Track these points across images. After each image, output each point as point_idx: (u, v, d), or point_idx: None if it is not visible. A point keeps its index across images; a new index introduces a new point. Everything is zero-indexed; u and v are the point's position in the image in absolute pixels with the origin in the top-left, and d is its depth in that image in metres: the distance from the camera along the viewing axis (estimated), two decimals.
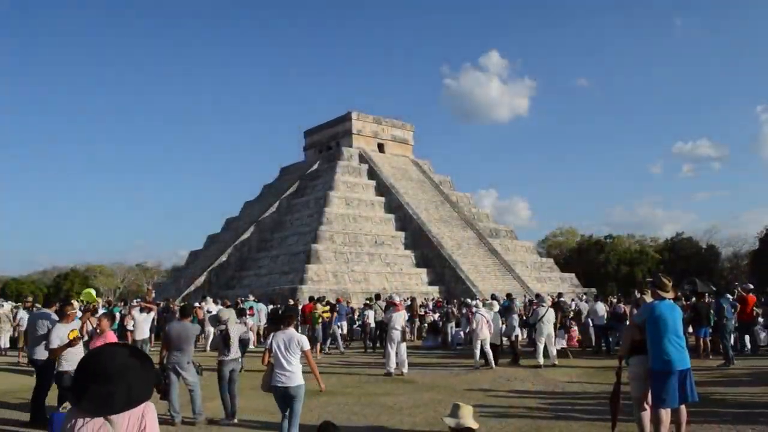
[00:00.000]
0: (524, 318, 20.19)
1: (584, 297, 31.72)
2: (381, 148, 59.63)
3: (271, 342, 7.73)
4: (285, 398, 7.49)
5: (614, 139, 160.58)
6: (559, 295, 24.44)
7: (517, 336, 18.02)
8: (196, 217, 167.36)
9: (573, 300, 29.91)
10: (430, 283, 43.54)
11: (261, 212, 52.83)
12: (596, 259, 73.11)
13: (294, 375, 7.49)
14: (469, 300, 24.90)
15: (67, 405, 8.49)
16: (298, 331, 8.29)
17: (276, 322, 18.86)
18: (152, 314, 18.12)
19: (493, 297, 21.78)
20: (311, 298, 23.11)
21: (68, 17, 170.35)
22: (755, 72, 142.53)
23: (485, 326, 16.17)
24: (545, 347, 16.70)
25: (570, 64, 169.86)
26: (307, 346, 7.83)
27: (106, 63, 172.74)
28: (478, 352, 16.11)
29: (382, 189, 52.10)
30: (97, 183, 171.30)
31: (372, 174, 53.82)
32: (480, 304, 18.60)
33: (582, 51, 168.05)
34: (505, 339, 18.24)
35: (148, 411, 2.95)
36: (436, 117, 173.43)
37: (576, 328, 22.20)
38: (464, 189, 65.54)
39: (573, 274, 51.60)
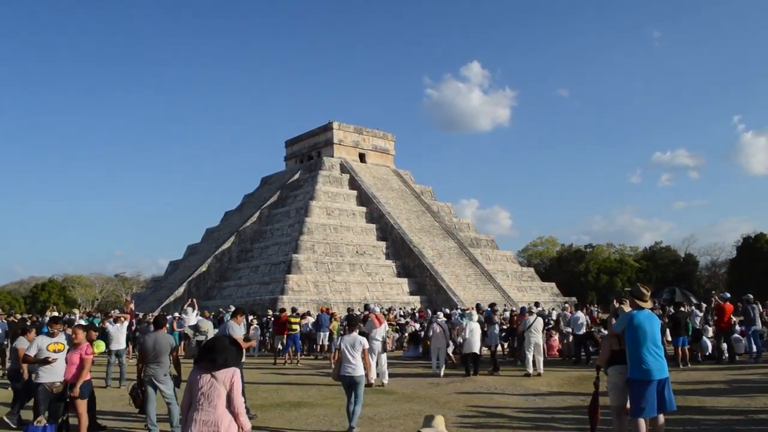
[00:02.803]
0: (503, 328, 20.26)
1: (566, 306, 31.86)
2: (362, 158, 59.61)
3: (340, 343, 9.89)
4: (351, 385, 9.54)
5: (594, 149, 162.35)
6: (536, 304, 24.51)
7: (497, 345, 18.09)
8: (176, 227, 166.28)
9: (553, 309, 30.02)
10: (412, 293, 43.49)
11: (241, 222, 52.53)
12: (576, 269, 73.68)
13: (357, 367, 9.56)
14: (446, 309, 24.94)
15: (42, 419, 8.35)
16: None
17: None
18: (126, 323, 17.83)
19: (478, 307, 21.83)
20: (281, 310, 23.38)
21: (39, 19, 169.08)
22: (731, 82, 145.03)
23: (441, 335, 16.90)
24: (531, 356, 16.78)
25: (551, 75, 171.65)
26: (367, 345, 10.02)
27: (84, 76, 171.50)
28: (434, 360, 17.00)
29: (364, 199, 52.12)
30: (76, 192, 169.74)
31: (353, 184, 53.79)
32: (440, 315, 19.38)
33: (562, 62, 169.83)
34: (485, 348, 18.28)
35: (236, 373, 5.27)
36: (417, 127, 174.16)
37: (556, 337, 22.28)
38: (445, 199, 65.98)
39: (553, 284, 51.88)
